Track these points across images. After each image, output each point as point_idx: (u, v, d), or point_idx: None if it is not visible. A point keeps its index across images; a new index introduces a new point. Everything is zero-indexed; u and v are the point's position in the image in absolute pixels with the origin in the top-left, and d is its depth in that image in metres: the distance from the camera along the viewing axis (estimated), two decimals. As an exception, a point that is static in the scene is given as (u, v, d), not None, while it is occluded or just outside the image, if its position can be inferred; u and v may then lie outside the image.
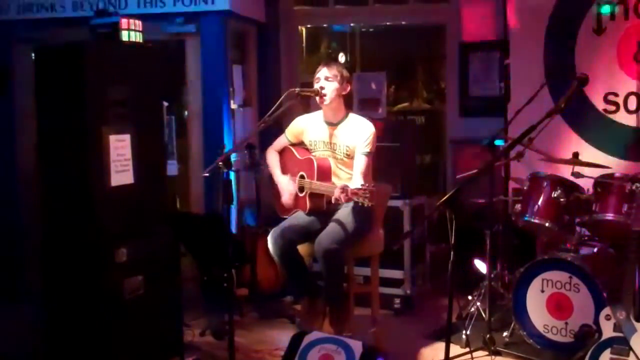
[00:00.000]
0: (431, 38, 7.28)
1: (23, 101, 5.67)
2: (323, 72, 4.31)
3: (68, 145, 3.90)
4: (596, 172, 4.42)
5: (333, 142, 4.35)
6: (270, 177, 4.60)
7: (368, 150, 4.24)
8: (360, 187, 3.78)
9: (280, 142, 4.62)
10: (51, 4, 5.68)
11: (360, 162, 4.22)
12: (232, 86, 5.89)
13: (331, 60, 4.26)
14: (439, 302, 5.33)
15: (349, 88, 4.42)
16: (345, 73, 4.36)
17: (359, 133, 4.28)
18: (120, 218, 3.93)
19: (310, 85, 4.43)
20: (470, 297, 4.85)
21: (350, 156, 4.30)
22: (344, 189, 3.87)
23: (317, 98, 4.31)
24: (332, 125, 4.37)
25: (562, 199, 4.36)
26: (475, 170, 4.34)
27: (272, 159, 4.58)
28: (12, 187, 5.82)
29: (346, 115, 4.39)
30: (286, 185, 4.42)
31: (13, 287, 5.67)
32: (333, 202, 3.99)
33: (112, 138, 3.89)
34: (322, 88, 4.27)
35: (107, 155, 3.87)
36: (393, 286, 5.29)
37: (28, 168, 5.57)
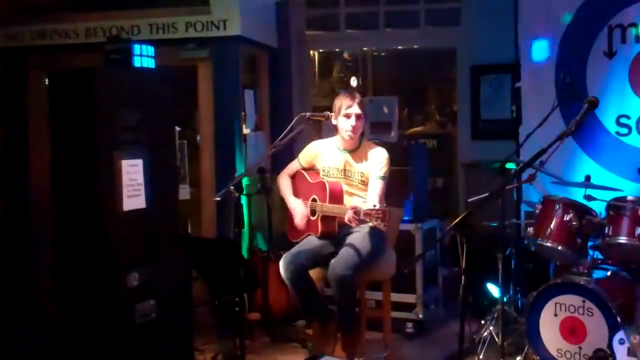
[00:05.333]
0: (442, 61, 7.30)
1: (37, 126, 5.73)
2: (354, 109, 4.30)
3: (80, 170, 3.93)
4: (609, 195, 4.40)
5: (347, 169, 4.36)
6: (282, 201, 4.61)
7: (383, 174, 4.26)
8: (373, 207, 3.77)
9: (293, 167, 4.63)
10: (65, 31, 5.74)
11: (376, 186, 4.23)
12: (244, 110, 5.91)
13: (358, 95, 4.26)
14: (452, 326, 5.29)
15: None
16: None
17: (373, 158, 4.30)
18: (132, 242, 3.94)
19: (322, 109, 4.44)
20: (483, 321, 4.81)
21: (365, 182, 4.31)
22: (356, 210, 3.87)
23: (346, 132, 4.31)
24: (347, 152, 4.39)
25: (574, 222, 4.33)
26: (487, 194, 4.33)
27: (284, 182, 4.59)
28: (25, 211, 5.85)
29: (360, 142, 4.41)
30: (298, 208, 4.41)
31: (25, 311, 5.69)
32: (347, 221, 3.98)
33: (125, 163, 3.91)
34: (354, 127, 4.29)
35: (120, 179, 3.88)
36: (405, 310, 5.25)
37: (41, 194, 5.60)
